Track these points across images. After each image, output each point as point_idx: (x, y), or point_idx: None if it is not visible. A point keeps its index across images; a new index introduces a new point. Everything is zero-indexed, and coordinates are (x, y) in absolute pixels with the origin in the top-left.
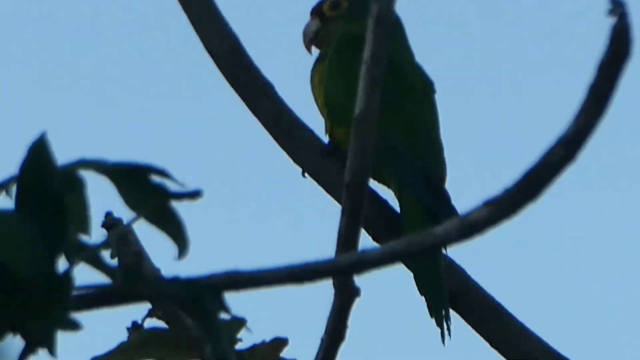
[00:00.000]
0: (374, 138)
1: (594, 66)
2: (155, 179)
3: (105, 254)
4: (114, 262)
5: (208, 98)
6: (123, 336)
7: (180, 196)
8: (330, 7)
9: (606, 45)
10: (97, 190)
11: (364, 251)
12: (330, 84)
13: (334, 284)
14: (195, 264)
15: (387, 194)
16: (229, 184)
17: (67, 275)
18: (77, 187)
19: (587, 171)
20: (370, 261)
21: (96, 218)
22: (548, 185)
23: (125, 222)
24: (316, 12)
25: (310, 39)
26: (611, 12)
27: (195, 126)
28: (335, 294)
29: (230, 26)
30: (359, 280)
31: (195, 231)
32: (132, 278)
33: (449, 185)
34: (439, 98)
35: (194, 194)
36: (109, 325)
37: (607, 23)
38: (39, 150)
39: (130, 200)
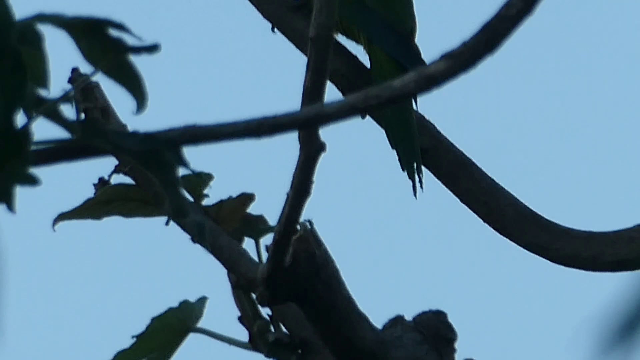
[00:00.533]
0: None
1: None
2: (113, 32)
3: (66, 108)
4: (80, 117)
5: None
6: (90, 192)
7: (138, 50)
8: None
9: None
10: (63, 46)
11: (322, 104)
12: None
13: (299, 138)
14: (166, 120)
15: (356, 49)
16: (197, 39)
17: (25, 130)
18: (35, 41)
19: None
20: (328, 114)
21: (64, 74)
22: (506, 38)
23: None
24: None
25: None
26: None
27: None
28: (301, 149)
29: None
30: (328, 136)
31: (162, 87)
32: (91, 132)
33: (418, 40)
34: None
35: (152, 48)
36: (75, 182)
37: None
38: None
39: (89, 54)
